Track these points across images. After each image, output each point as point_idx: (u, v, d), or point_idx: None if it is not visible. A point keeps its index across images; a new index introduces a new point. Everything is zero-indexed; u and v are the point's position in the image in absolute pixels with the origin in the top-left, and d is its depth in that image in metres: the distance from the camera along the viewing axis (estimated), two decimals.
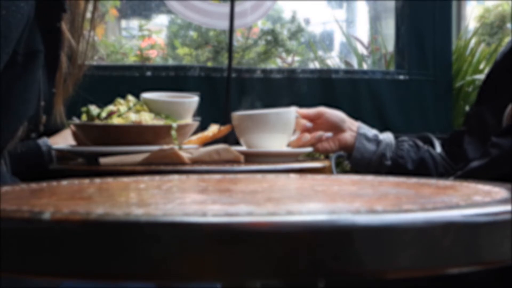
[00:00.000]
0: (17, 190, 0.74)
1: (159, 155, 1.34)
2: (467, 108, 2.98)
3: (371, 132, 1.57)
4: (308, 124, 1.53)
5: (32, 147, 1.57)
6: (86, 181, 0.84)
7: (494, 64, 1.51)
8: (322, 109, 1.56)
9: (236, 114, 1.50)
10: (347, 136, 1.55)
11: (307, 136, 1.51)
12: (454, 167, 1.46)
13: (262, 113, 1.48)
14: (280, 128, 1.47)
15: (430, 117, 2.85)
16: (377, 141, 1.56)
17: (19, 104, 1.14)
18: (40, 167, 1.53)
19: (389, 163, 1.54)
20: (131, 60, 5.45)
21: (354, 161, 1.56)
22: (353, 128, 1.56)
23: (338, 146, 1.55)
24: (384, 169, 1.54)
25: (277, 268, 0.46)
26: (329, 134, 1.53)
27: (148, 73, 2.49)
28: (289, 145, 1.51)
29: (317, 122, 1.55)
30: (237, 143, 1.54)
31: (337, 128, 1.54)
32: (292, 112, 1.49)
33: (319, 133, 1.52)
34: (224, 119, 1.62)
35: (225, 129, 1.58)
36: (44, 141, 1.59)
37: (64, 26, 1.25)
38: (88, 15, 1.36)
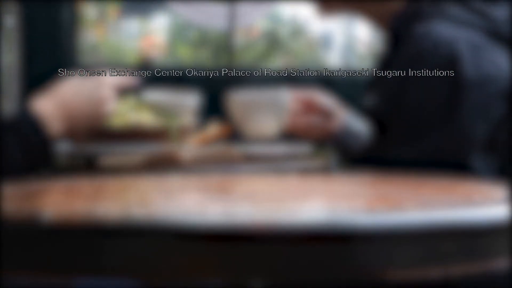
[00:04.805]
0: (17, 190, 0.74)
1: (159, 156, 1.34)
2: None
3: (355, 127, 1.53)
4: (299, 108, 1.50)
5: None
6: (86, 181, 0.84)
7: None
8: (313, 94, 1.53)
9: (230, 97, 1.49)
10: (333, 126, 1.51)
11: (299, 121, 1.49)
12: None
13: (256, 96, 1.46)
14: (274, 110, 1.45)
15: None
16: (356, 137, 1.53)
17: None
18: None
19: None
20: (131, 60, 5.45)
21: (328, 143, 1.53)
22: (340, 118, 1.52)
23: (322, 135, 1.51)
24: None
25: (277, 268, 0.46)
26: (319, 121, 1.50)
27: (148, 73, 2.49)
28: (283, 129, 1.48)
29: (308, 107, 1.52)
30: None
31: (325, 116, 1.51)
32: (286, 94, 1.47)
33: (311, 120, 1.49)
34: (224, 120, 1.62)
35: (225, 129, 1.57)
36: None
37: None
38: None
